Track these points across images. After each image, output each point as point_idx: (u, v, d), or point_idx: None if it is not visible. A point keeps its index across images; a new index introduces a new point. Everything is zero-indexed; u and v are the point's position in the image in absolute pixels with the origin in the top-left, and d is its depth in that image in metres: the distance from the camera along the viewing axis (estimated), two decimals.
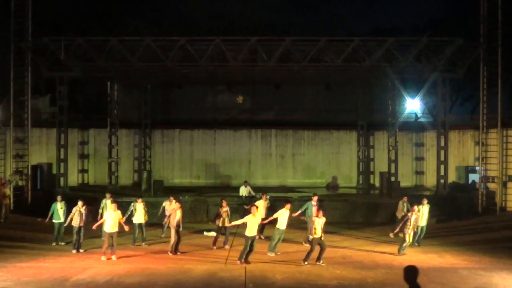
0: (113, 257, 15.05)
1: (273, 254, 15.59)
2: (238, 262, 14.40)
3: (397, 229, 16.16)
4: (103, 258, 15.05)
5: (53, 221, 17.14)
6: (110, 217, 15.20)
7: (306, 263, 14.47)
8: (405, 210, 18.30)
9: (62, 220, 16.97)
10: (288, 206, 15.79)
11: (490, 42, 23.76)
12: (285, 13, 46.33)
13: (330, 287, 12.46)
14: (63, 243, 17.06)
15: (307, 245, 16.06)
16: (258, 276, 13.16)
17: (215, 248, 16.49)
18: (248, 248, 14.42)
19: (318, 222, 14.44)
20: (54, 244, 17.06)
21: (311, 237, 14.68)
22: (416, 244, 16.93)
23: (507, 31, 23.77)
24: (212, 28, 33.73)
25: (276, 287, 12.45)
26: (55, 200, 17.38)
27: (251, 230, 14.44)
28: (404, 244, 15.83)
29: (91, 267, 14.13)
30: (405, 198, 18.92)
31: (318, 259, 14.50)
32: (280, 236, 15.78)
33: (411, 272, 7.00)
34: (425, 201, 17.35)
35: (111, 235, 15.10)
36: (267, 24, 39.18)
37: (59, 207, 17.14)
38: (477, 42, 23.72)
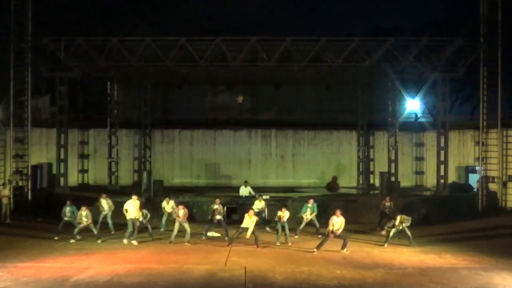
0: (134, 242, 17.01)
1: (278, 243, 17.03)
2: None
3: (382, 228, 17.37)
4: (134, 242, 16.97)
5: (63, 218, 17.94)
6: (131, 206, 17.29)
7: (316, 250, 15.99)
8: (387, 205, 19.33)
9: (68, 219, 17.77)
10: (283, 209, 17.50)
11: (490, 42, 23.77)
12: (285, 13, 46.32)
13: (330, 287, 12.47)
14: (73, 240, 17.31)
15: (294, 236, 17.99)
16: (258, 276, 13.16)
17: (204, 238, 17.85)
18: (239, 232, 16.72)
19: (337, 221, 16.05)
20: (56, 238, 17.56)
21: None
22: (409, 241, 16.92)
23: (507, 31, 23.77)
24: (212, 28, 33.75)
25: (276, 287, 12.46)
26: (64, 204, 18.10)
27: (245, 224, 16.62)
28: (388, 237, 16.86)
29: (91, 267, 14.13)
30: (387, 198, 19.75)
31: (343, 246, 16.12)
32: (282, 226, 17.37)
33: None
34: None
35: (132, 221, 17.17)
36: (267, 24, 39.19)
37: (67, 210, 17.87)
38: (477, 42, 23.73)
